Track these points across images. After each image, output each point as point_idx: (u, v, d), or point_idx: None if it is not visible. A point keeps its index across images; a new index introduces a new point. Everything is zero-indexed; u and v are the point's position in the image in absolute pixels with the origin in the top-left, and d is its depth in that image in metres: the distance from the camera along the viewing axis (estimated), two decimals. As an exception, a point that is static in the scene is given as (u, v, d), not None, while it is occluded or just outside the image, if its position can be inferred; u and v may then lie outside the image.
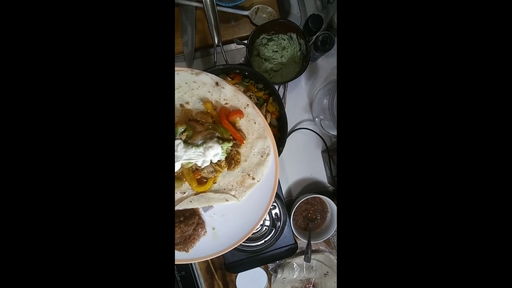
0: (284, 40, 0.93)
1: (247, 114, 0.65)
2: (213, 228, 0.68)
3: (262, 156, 0.65)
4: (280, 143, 0.81)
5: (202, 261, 1.01)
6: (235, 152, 0.66)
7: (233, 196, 0.66)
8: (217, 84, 0.64)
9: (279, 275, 1.01)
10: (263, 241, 0.91)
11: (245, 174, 0.66)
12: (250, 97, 0.83)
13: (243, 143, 0.65)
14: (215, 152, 0.63)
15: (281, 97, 0.88)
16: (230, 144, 0.64)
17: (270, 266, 1.03)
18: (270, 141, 0.64)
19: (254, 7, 0.96)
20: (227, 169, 0.66)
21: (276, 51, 0.94)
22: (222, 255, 0.91)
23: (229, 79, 0.84)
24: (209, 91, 0.64)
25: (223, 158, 0.65)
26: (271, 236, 0.92)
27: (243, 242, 0.90)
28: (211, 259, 1.01)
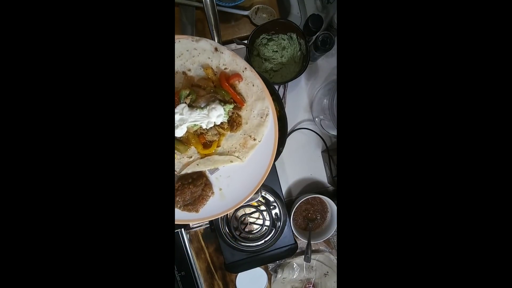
0: (284, 40, 0.93)
1: (245, 77, 0.68)
2: (220, 189, 0.71)
3: (261, 117, 0.68)
4: (280, 143, 0.81)
5: (202, 261, 1.01)
6: (236, 114, 0.69)
7: (237, 157, 0.69)
8: (216, 49, 0.67)
9: (279, 275, 1.01)
10: (263, 241, 0.91)
11: (246, 136, 0.69)
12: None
13: (243, 105, 0.68)
14: (218, 113, 0.65)
15: (281, 97, 0.88)
16: (231, 106, 0.67)
17: (270, 266, 1.03)
18: (268, 102, 0.68)
19: (254, 7, 0.96)
20: (230, 131, 0.69)
21: (276, 51, 0.94)
22: (222, 255, 0.92)
23: (229, 79, 0.84)
24: (209, 57, 0.67)
25: (225, 120, 0.68)
26: (271, 236, 0.92)
27: (243, 242, 0.90)
28: (211, 259, 1.02)
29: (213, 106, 0.65)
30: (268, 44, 0.94)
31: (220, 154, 0.70)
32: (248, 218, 0.93)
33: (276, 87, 0.98)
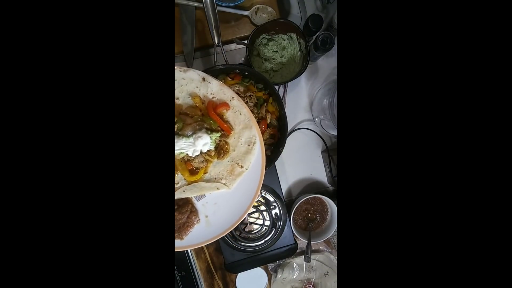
0: (284, 40, 0.93)
1: (233, 106, 0.69)
2: (206, 216, 0.71)
3: (249, 145, 0.69)
4: (280, 143, 0.81)
5: (202, 261, 1.01)
6: (223, 142, 0.70)
7: (224, 184, 0.70)
8: (203, 79, 0.69)
9: (279, 275, 1.01)
10: (263, 241, 0.91)
11: (234, 163, 0.70)
12: (250, 97, 0.83)
13: (231, 133, 0.69)
14: (204, 141, 0.66)
15: (281, 97, 0.88)
16: (218, 134, 0.68)
17: (270, 266, 1.03)
18: (255, 131, 0.69)
19: (254, 7, 0.96)
20: (217, 158, 0.70)
21: (276, 51, 0.94)
22: (222, 255, 0.92)
23: (229, 79, 0.84)
24: (197, 87, 0.69)
25: (212, 148, 0.69)
26: (271, 236, 0.92)
27: (243, 242, 0.90)
28: (211, 259, 1.01)
29: (199, 134, 0.66)
30: (268, 44, 0.94)
31: (207, 181, 0.71)
32: (248, 218, 0.93)
33: (276, 87, 0.98)
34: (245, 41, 0.91)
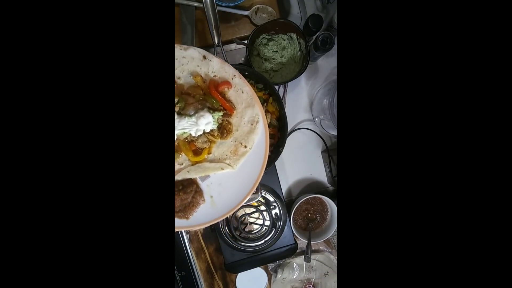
0: (284, 40, 0.93)
1: (234, 84, 0.68)
2: (211, 197, 0.71)
3: (252, 124, 0.68)
4: (280, 143, 0.81)
5: (202, 261, 1.01)
6: (226, 122, 0.69)
7: (228, 164, 0.69)
8: (204, 57, 0.67)
9: (279, 275, 1.01)
10: (263, 241, 0.91)
11: (237, 143, 0.69)
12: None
13: (233, 112, 0.68)
14: (207, 120, 0.65)
15: (281, 97, 0.88)
16: (221, 113, 0.67)
17: (270, 266, 1.03)
18: (258, 109, 0.67)
19: (254, 7, 0.96)
20: (220, 138, 0.69)
21: (276, 51, 0.94)
22: (222, 255, 0.92)
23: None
24: (198, 65, 0.67)
25: (215, 127, 0.68)
26: (271, 236, 0.92)
27: (243, 242, 0.90)
28: (211, 259, 1.02)
29: (201, 113, 0.65)
30: (268, 44, 0.94)
31: (211, 161, 0.70)
32: (248, 218, 0.93)
33: (276, 87, 0.98)
34: (245, 41, 0.91)
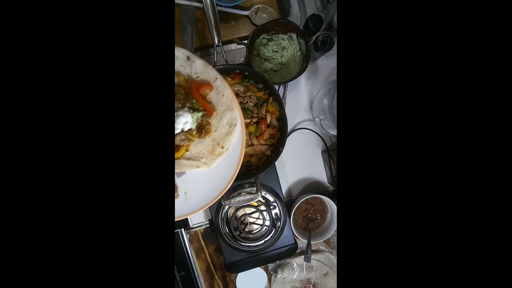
0: (284, 40, 0.93)
1: (216, 87, 0.69)
2: (185, 192, 0.72)
3: (230, 127, 0.69)
4: (280, 143, 0.81)
5: (202, 261, 1.01)
6: (205, 122, 0.70)
7: (204, 163, 0.70)
8: (188, 58, 0.68)
9: (279, 275, 1.01)
10: (263, 241, 0.91)
11: (215, 143, 0.70)
12: (250, 97, 0.83)
13: (213, 113, 0.69)
14: (185, 120, 0.66)
15: (281, 97, 0.88)
16: (200, 114, 0.68)
17: (270, 266, 1.03)
18: (237, 112, 0.69)
19: (254, 7, 0.96)
20: (198, 137, 0.70)
21: (276, 51, 0.94)
22: (222, 255, 0.92)
23: (229, 79, 0.84)
24: (181, 65, 0.68)
25: (193, 127, 0.68)
26: (271, 236, 0.92)
27: (243, 242, 0.90)
28: (211, 259, 1.02)
29: (180, 113, 0.66)
30: (268, 44, 0.94)
31: (188, 158, 0.71)
32: (248, 218, 0.93)
33: (276, 87, 0.98)
34: (245, 41, 0.91)
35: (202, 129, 0.69)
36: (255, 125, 0.83)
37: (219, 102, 0.69)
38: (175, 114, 0.66)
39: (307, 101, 1.03)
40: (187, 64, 0.68)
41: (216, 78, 0.68)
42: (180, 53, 0.68)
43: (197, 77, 0.69)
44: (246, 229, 0.92)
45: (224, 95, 0.69)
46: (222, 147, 0.69)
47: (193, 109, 0.68)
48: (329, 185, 1.05)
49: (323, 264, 1.02)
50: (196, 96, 0.67)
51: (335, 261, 1.02)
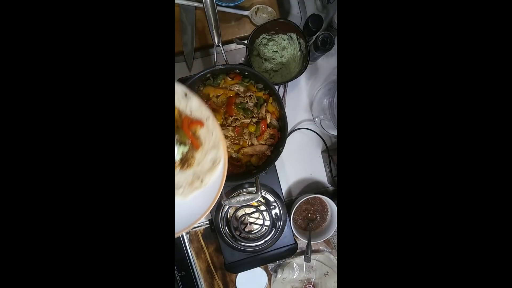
0: (284, 40, 0.93)
1: (207, 125, 0.72)
2: None
3: (213, 164, 0.72)
4: (280, 143, 0.81)
5: (202, 261, 1.01)
6: (190, 155, 0.72)
7: (181, 193, 0.72)
8: (186, 94, 0.72)
9: (279, 275, 1.01)
10: (263, 241, 0.91)
11: (195, 177, 0.72)
12: (250, 97, 0.83)
13: (199, 148, 0.72)
14: None
15: (281, 97, 0.88)
16: (186, 148, 0.71)
17: (270, 266, 1.03)
18: (222, 152, 0.72)
19: (254, 7, 0.96)
20: (180, 168, 0.72)
21: (276, 51, 0.94)
22: (222, 255, 0.92)
23: (229, 79, 0.84)
24: (178, 99, 0.72)
25: (177, 158, 0.71)
26: (271, 236, 0.92)
27: (243, 242, 0.90)
28: (211, 259, 1.01)
29: None
30: (268, 44, 0.94)
31: None
32: (248, 218, 0.93)
33: (276, 87, 0.98)
34: (245, 41, 0.91)
35: (185, 161, 0.71)
36: (255, 125, 0.83)
37: (207, 138, 0.72)
38: None
39: (307, 101, 1.03)
40: (183, 99, 0.71)
41: (209, 117, 0.71)
42: (178, 89, 0.71)
43: (190, 113, 0.72)
44: (246, 229, 0.92)
45: (213, 133, 0.72)
46: (202, 181, 0.71)
47: (180, 142, 0.71)
48: (329, 185, 1.05)
49: (323, 264, 1.02)
50: (186, 132, 0.70)
51: (335, 261, 1.02)
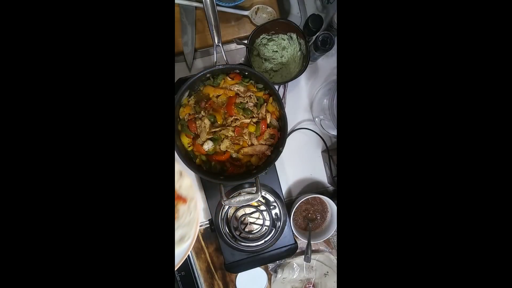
0: (284, 40, 0.93)
1: (189, 205, 0.80)
2: None
3: (180, 239, 0.80)
4: (280, 143, 0.81)
5: (202, 261, 1.01)
6: None
7: None
8: (181, 173, 0.80)
9: (279, 275, 1.01)
10: (263, 241, 0.91)
11: None
12: (250, 97, 0.83)
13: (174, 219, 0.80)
14: None
15: (281, 97, 0.88)
16: None
17: (270, 266, 1.03)
18: (193, 233, 0.79)
19: (254, 7, 0.96)
20: None
21: (276, 51, 0.94)
22: (222, 255, 0.92)
23: (229, 79, 0.84)
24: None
25: None
26: (271, 236, 0.92)
27: (243, 242, 0.90)
28: (211, 259, 1.01)
29: None
30: (268, 44, 0.94)
31: None
32: (248, 218, 0.93)
33: (276, 87, 0.98)
34: (245, 41, 0.91)
35: None
36: (255, 125, 0.83)
37: (183, 215, 0.79)
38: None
39: (307, 101, 1.03)
40: (177, 177, 0.78)
41: (193, 199, 0.79)
42: (176, 167, 0.77)
43: (179, 188, 0.79)
44: (246, 229, 0.92)
45: (191, 214, 0.79)
46: None
47: None
48: (329, 185, 1.05)
49: (323, 264, 1.02)
50: None
51: (335, 261, 1.02)
